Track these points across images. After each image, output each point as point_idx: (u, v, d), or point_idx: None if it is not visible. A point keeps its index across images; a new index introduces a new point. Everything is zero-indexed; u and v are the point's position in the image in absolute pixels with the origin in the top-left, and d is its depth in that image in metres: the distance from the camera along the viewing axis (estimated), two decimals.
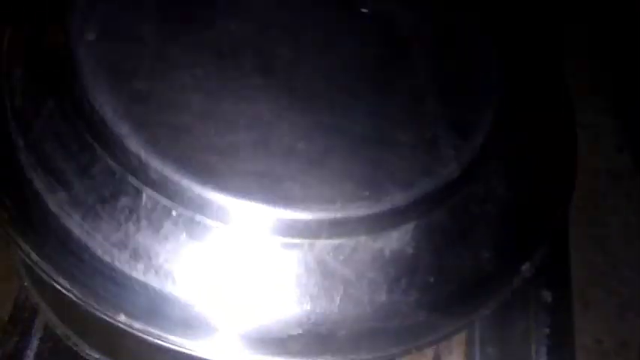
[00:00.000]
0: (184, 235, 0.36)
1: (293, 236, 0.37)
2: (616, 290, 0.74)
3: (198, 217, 0.37)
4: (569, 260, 0.56)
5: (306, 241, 0.37)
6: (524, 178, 0.44)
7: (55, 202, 0.37)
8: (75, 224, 0.37)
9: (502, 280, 0.42)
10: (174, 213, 0.37)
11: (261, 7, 0.44)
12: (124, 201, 0.37)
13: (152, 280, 0.36)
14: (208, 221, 0.37)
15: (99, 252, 0.36)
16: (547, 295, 0.52)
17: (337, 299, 0.37)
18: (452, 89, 0.44)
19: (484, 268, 0.41)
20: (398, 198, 0.38)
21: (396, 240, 0.38)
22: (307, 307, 0.37)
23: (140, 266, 0.36)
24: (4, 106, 0.39)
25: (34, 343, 0.51)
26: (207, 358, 0.36)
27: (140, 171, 0.37)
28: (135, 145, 0.37)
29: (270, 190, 0.37)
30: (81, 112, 0.38)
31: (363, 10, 0.46)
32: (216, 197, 0.36)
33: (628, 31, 0.83)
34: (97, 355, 0.45)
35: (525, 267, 0.43)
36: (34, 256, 0.37)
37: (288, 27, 0.44)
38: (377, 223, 0.38)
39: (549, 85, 0.50)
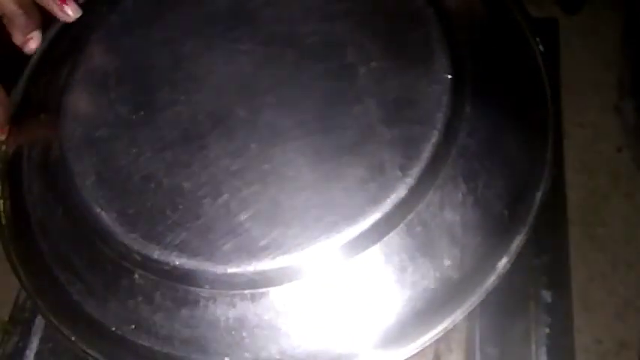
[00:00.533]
0: (170, 303, 0.43)
1: (261, 287, 0.42)
2: (616, 290, 0.71)
3: (180, 286, 0.43)
4: (569, 260, 0.55)
5: (270, 289, 0.42)
6: (486, 175, 0.45)
7: (75, 292, 0.46)
8: (92, 308, 0.45)
9: (473, 284, 0.43)
10: (160, 286, 0.43)
11: (215, 76, 0.49)
12: (123, 283, 0.44)
13: (155, 344, 0.43)
14: (188, 288, 0.43)
15: (113, 327, 0.44)
16: (547, 295, 0.52)
17: (308, 333, 0.42)
18: (399, 108, 0.46)
19: (450, 276, 0.43)
20: (347, 234, 0.42)
21: (352, 270, 0.42)
22: (285, 345, 0.42)
23: (143, 335, 0.43)
24: (30, 217, 0.49)
25: (34, 343, 0.52)
26: None
27: (129, 257, 0.44)
28: (121, 236, 0.44)
29: (230, 251, 0.42)
30: (78, 214, 0.46)
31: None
32: (191, 267, 0.43)
33: (628, 30, 0.77)
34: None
35: (501, 263, 0.44)
36: (73, 337, 0.46)
37: (242, 83, 0.48)
38: (331, 260, 0.42)
39: (521, 81, 0.49)
